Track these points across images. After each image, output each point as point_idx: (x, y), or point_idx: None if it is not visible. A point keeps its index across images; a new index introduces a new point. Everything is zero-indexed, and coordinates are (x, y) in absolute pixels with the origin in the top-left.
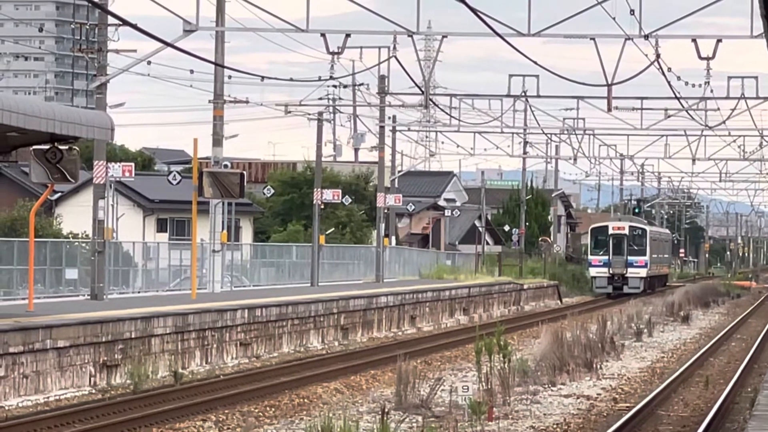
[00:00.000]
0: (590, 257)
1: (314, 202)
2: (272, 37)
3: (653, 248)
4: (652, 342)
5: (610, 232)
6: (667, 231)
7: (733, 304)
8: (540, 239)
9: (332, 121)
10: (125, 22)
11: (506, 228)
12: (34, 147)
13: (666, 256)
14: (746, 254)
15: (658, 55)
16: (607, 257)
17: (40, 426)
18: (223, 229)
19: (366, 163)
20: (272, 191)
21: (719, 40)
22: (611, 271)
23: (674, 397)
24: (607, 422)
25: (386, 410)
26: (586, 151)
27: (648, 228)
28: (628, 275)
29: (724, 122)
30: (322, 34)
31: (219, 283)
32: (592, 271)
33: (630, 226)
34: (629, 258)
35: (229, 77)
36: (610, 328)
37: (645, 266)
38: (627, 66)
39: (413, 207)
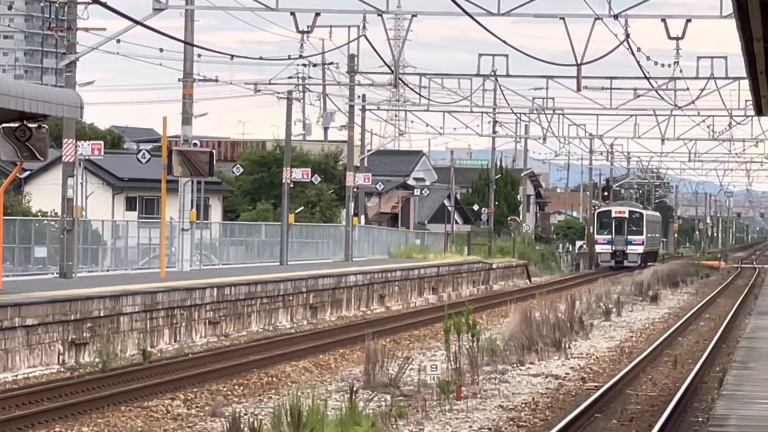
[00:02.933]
0: (596, 236)
1: (283, 180)
2: (242, 16)
3: (648, 229)
4: (620, 322)
5: (613, 215)
6: (659, 214)
7: (702, 284)
8: (509, 218)
9: (302, 100)
10: (95, 0)
11: (475, 207)
12: (3, 125)
13: (657, 235)
14: (715, 234)
15: (627, 35)
16: (610, 236)
17: (9, 404)
18: (192, 207)
19: (335, 142)
20: (241, 170)
21: (689, 20)
22: (614, 248)
23: (643, 377)
24: (576, 401)
25: (355, 389)
26: (555, 131)
27: (644, 212)
28: (628, 251)
29: (693, 102)
30: (292, 13)
31: (188, 261)
32: (598, 248)
33: (630, 210)
34: (629, 237)
35: (199, 56)
36: (579, 308)
37: (642, 244)
38: (596, 46)
39: (382, 186)
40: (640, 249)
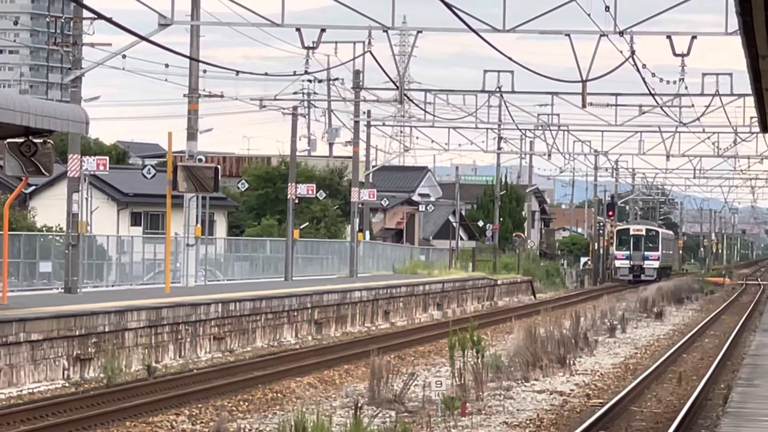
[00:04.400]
0: (615, 252)
1: (288, 196)
2: (247, 32)
3: (663, 246)
4: (625, 338)
5: (631, 233)
6: (673, 233)
7: (706, 301)
8: (514, 234)
9: (307, 116)
10: (100, 16)
11: (480, 223)
12: (9, 140)
13: (671, 252)
14: (720, 251)
15: (632, 52)
16: (628, 252)
17: (13, 419)
18: (197, 223)
19: (340, 158)
20: (246, 185)
21: (694, 37)
22: (632, 263)
23: (647, 394)
24: (580, 418)
25: (359, 405)
26: (560, 147)
27: (660, 231)
28: (645, 266)
29: (698, 119)
30: (297, 29)
31: (193, 277)
32: (617, 263)
33: (646, 229)
34: (646, 253)
35: (204, 71)
36: (584, 324)
37: (658, 260)
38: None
39: (387, 202)
40: (656, 264)
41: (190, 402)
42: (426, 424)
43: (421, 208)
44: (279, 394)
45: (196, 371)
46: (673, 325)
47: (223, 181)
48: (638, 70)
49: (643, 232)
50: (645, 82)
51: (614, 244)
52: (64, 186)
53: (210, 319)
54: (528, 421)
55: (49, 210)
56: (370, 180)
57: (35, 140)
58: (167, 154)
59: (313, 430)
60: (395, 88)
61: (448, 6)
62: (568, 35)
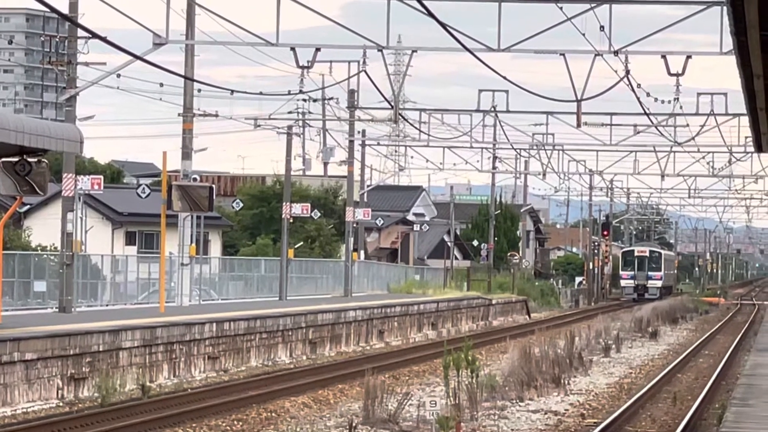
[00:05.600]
0: (621, 272)
1: (283, 215)
2: (242, 51)
3: (666, 266)
4: (620, 358)
5: (636, 254)
6: (674, 254)
7: (701, 321)
8: (509, 254)
9: (301, 135)
10: (95, 35)
11: (475, 243)
12: (3, 159)
13: (673, 272)
14: (715, 270)
15: (627, 71)
16: (633, 272)
17: None
18: (191, 242)
19: (335, 177)
20: (241, 205)
21: (689, 57)
22: (636, 283)
23: (642, 413)
24: None
25: (354, 425)
26: (555, 167)
27: (662, 252)
28: (648, 285)
29: (693, 138)
30: (292, 48)
31: (187, 296)
32: (622, 282)
33: (650, 250)
34: (649, 273)
35: (199, 90)
36: (579, 344)
37: (660, 279)
38: (596, 82)
39: (382, 221)
40: (659, 283)
41: (184, 421)
42: None
43: (416, 227)
44: (273, 414)
45: (190, 390)
46: (667, 344)
47: (218, 201)
48: (633, 90)
49: (647, 254)
50: (640, 102)
51: (620, 265)
52: (58, 205)
53: (204, 339)
54: None
55: (43, 229)
56: (365, 199)
57: (30, 159)
58: (162, 174)
59: None
60: (390, 107)
61: (443, 25)
62: (563, 55)
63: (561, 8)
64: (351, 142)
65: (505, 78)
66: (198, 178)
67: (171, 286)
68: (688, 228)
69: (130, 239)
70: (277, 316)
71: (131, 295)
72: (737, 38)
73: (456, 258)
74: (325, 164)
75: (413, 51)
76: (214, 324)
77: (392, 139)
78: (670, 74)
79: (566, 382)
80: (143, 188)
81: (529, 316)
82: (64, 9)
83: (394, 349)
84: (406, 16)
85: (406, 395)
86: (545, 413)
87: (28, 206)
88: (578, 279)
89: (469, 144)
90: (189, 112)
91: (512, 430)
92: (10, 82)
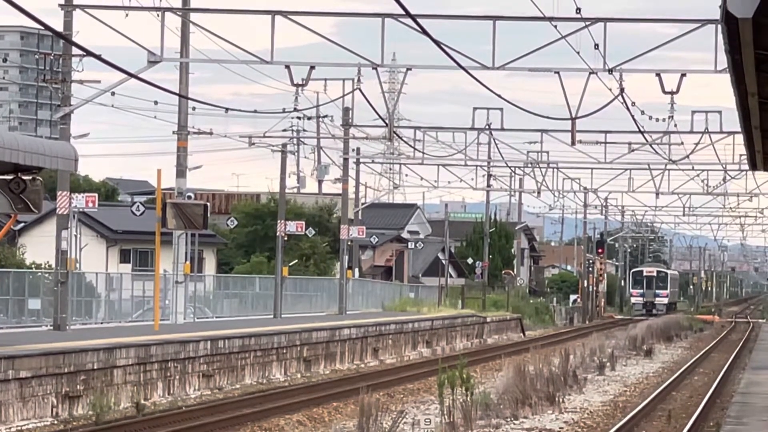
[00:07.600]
0: (630, 290)
1: (278, 233)
2: (236, 69)
3: (671, 285)
4: (614, 376)
5: (644, 274)
6: (678, 273)
7: (696, 338)
8: (503, 272)
9: (296, 153)
10: (89, 53)
11: (470, 261)
12: None
13: (677, 289)
14: (709, 288)
15: (622, 89)
16: (642, 290)
17: None
18: (186, 260)
19: (330, 195)
20: (236, 222)
21: (683, 75)
22: (644, 300)
23: (637, 431)
24: None
25: None
26: (549, 185)
27: (669, 272)
28: (656, 302)
29: (687, 156)
30: (287, 66)
31: (182, 314)
32: (632, 299)
33: (657, 270)
34: (657, 291)
35: (193, 108)
36: (573, 362)
37: (667, 297)
38: (591, 100)
39: (377, 239)
40: (666, 300)
41: None
42: None
43: (411, 245)
44: None
45: (184, 408)
46: (662, 362)
47: (212, 218)
48: (627, 108)
49: (655, 273)
50: (634, 120)
51: (629, 284)
52: (53, 223)
53: (199, 357)
54: None
55: (38, 247)
56: (360, 217)
57: (24, 177)
58: (156, 191)
59: None
60: (384, 125)
61: (438, 43)
62: (558, 73)
63: (555, 26)
64: (345, 159)
65: (499, 96)
66: (192, 196)
67: (165, 304)
68: (682, 246)
69: (124, 257)
70: (271, 334)
71: (126, 312)
72: (732, 56)
73: (451, 276)
74: (320, 182)
75: (408, 69)
76: (209, 342)
77: (387, 157)
78: (664, 92)
79: (561, 400)
80: (138, 206)
81: (524, 334)
82: (59, 27)
83: (388, 367)
84: (400, 34)
85: (400, 413)
86: (540, 431)
87: (23, 224)
88: (573, 297)
89: (463, 162)
90: (183, 130)
91: None
92: (5, 100)
